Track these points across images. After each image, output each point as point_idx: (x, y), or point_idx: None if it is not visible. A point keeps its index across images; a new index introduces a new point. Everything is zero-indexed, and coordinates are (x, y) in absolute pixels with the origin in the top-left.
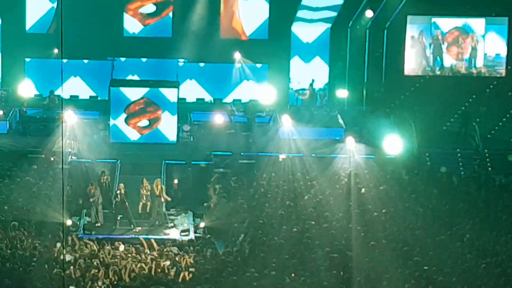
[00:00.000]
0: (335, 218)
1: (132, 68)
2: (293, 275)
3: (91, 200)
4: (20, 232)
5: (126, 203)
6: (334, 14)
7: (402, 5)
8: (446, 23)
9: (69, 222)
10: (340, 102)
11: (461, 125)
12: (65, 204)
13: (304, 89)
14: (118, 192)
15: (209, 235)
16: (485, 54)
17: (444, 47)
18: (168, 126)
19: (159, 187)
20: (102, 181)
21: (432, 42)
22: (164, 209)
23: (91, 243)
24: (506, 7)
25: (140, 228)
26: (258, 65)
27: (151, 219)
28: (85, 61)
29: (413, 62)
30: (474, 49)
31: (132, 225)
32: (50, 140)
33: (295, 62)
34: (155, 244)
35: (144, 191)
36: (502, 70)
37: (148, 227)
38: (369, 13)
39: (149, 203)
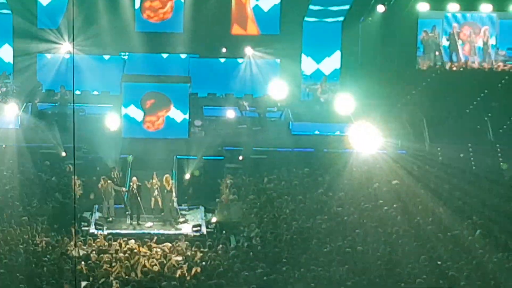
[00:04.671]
0: (347, 213)
1: (144, 63)
2: None
3: (102, 195)
4: (32, 227)
5: (138, 198)
6: (346, 7)
7: None
8: (458, 18)
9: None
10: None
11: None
12: (77, 199)
13: (316, 84)
14: (131, 186)
15: (224, 231)
16: (498, 49)
17: (456, 41)
18: (180, 121)
19: (170, 182)
20: (113, 176)
21: (444, 37)
22: (176, 204)
23: (103, 238)
24: None
25: (152, 223)
26: (270, 60)
27: (163, 214)
28: (97, 56)
29: (425, 57)
30: (486, 43)
31: (140, 220)
32: (62, 135)
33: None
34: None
35: (154, 185)
36: None
37: (160, 222)
38: (380, 8)
39: (159, 198)
